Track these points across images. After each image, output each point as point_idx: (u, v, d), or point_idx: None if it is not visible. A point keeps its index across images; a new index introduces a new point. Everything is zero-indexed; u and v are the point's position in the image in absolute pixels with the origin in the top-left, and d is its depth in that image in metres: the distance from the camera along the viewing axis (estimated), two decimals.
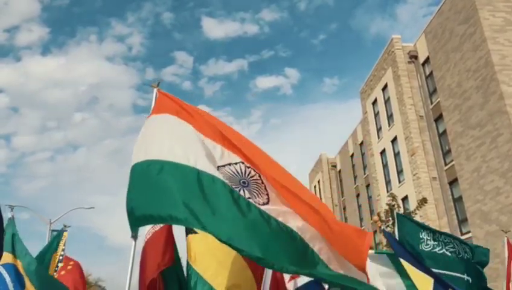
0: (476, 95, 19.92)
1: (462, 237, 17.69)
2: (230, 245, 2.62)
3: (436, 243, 5.77)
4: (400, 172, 26.10)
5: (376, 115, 29.61)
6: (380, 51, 28.52)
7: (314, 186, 43.59)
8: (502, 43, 19.19)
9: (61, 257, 7.30)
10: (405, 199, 24.35)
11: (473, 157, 20.12)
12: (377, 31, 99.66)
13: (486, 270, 5.88)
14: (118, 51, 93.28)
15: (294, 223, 2.90)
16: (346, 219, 37.20)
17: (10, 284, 5.63)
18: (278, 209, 2.95)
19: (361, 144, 33.75)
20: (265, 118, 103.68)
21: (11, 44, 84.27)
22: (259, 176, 3.15)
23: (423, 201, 18.76)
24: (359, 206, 34.95)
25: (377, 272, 4.85)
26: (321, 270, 2.79)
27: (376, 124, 29.63)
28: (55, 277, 6.89)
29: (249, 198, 2.92)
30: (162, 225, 4.87)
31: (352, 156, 36.50)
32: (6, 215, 6.26)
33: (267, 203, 3.01)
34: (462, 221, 21.36)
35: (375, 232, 30.45)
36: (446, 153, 22.95)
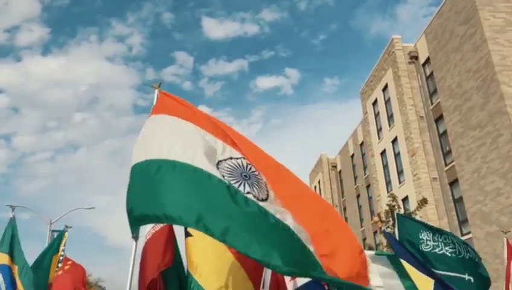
0: (476, 95, 19.92)
1: (462, 238, 17.68)
2: (224, 242, 2.61)
3: (435, 243, 5.75)
4: (400, 172, 26.09)
5: (376, 115, 29.61)
6: (380, 51, 28.56)
7: (315, 187, 43.57)
8: (503, 44, 19.19)
9: (61, 258, 7.31)
10: (405, 199, 24.34)
11: (473, 158, 20.11)
12: (378, 31, 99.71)
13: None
14: (118, 51, 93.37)
15: (292, 221, 2.88)
16: (346, 219, 37.19)
17: (2, 285, 5.66)
18: (276, 207, 2.92)
19: (362, 144, 33.75)
20: (265, 118, 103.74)
21: (12, 44, 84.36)
22: (259, 173, 3.16)
23: (423, 202, 18.76)
24: (359, 207, 34.94)
25: (377, 273, 4.84)
26: (317, 274, 2.75)
27: (376, 124, 29.63)
28: (55, 277, 6.89)
29: (249, 193, 2.89)
30: (162, 225, 4.87)
31: (352, 156, 36.50)
32: (8, 215, 6.27)
33: (267, 199, 3.00)
34: (463, 222, 21.35)
35: (375, 232, 30.47)
36: (446, 153, 22.95)
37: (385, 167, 28.23)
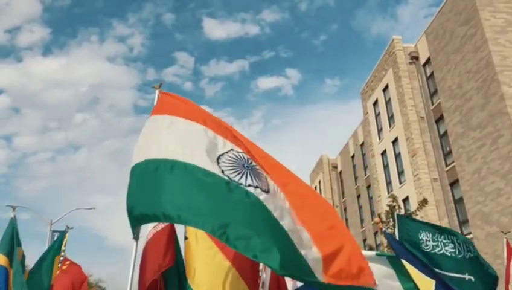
0: (476, 96, 19.92)
1: None
2: (223, 240, 2.58)
3: (435, 243, 5.75)
4: (400, 173, 26.09)
5: (377, 115, 29.61)
6: (380, 52, 28.58)
7: (315, 187, 43.57)
8: (503, 44, 19.19)
9: (61, 258, 7.32)
10: (406, 200, 24.34)
11: (473, 158, 20.11)
12: (378, 31, 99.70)
13: None
14: (119, 52, 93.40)
15: (289, 221, 2.86)
16: (347, 220, 37.20)
17: None
18: (276, 202, 2.91)
19: (362, 144, 33.75)
20: (266, 119, 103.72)
21: (13, 45, 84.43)
22: (260, 168, 3.16)
23: (424, 202, 18.76)
24: (360, 207, 34.93)
25: (378, 274, 4.84)
26: (310, 278, 2.73)
27: (377, 125, 29.63)
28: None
29: (250, 185, 2.87)
30: (163, 226, 4.88)
31: (353, 157, 36.50)
32: (8, 215, 6.28)
33: (268, 191, 2.99)
34: (463, 222, 21.35)
35: (376, 233, 30.47)
36: (447, 154, 22.95)
37: (386, 167, 28.22)
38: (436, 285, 4.81)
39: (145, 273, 4.62)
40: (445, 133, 22.85)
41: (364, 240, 32.40)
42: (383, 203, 25.80)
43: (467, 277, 5.50)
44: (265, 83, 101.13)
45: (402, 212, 20.25)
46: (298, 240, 2.83)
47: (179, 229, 5.09)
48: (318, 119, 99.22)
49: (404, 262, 5.05)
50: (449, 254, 5.67)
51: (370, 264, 3.04)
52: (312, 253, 2.83)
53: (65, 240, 7.47)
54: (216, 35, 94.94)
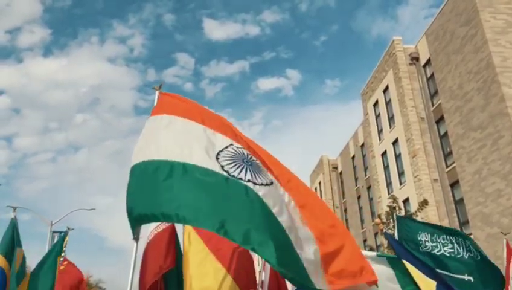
0: (477, 97, 19.91)
1: None
2: (222, 234, 2.58)
3: (434, 244, 5.74)
4: (401, 174, 26.08)
5: (377, 116, 29.61)
6: (381, 53, 28.58)
7: (315, 188, 43.56)
8: (504, 45, 19.18)
9: (61, 259, 7.34)
10: (406, 201, 24.32)
11: (474, 159, 20.10)
12: (378, 32, 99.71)
13: None
14: (120, 53, 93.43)
15: (287, 218, 2.85)
16: (347, 220, 37.19)
17: None
18: (274, 198, 2.89)
19: (363, 145, 33.74)
20: (266, 120, 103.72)
21: (13, 45, 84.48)
22: (261, 163, 3.16)
23: (424, 203, 18.76)
24: (360, 208, 34.92)
25: (378, 275, 4.84)
26: (304, 282, 2.70)
27: (377, 125, 29.62)
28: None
29: (249, 181, 2.88)
30: (164, 227, 4.88)
31: (353, 157, 36.49)
32: (8, 216, 6.28)
33: (268, 185, 2.98)
34: (464, 223, 21.33)
35: (376, 234, 30.45)
36: (447, 155, 22.94)
37: (386, 168, 28.22)
38: (437, 286, 4.81)
39: (146, 275, 4.62)
40: (446, 134, 22.84)
41: (365, 241, 32.37)
42: (383, 204, 25.79)
43: (466, 277, 5.49)
44: (266, 83, 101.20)
45: (402, 213, 20.24)
46: (295, 238, 2.82)
47: (180, 231, 5.09)
48: (318, 120, 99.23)
49: (406, 263, 5.05)
50: (448, 255, 5.66)
51: (371, 264, 3.04)
52: (309, 253, 2.83)
53: (65, 241, 7.50)
54: (216, 36, 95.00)
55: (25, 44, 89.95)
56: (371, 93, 30.32)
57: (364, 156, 33.62)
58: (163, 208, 2.69)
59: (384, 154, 28.42)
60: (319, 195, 41.58)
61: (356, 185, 35.60)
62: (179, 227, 5.13)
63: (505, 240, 8.18)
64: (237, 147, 3.18)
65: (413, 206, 21.90)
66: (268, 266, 3.98)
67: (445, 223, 21.80)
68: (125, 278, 3.03)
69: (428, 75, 24.68)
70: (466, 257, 5.60)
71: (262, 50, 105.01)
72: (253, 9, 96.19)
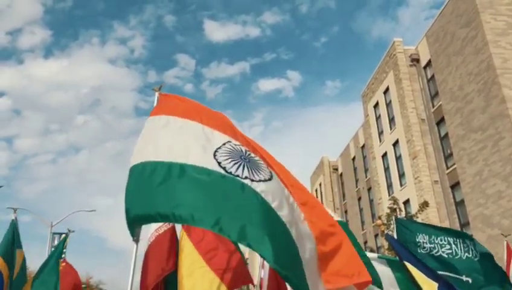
0: (477, 98, 19.90)
1: None
2: (217, 231, 2.56)
3: (432, 245, 5.77)
4: (401, 175, 26.06)
5: (378, 118, 29.60)
6: (381, 54, 28.58)
7: (316, 190, 43.54)
8: (504, 47, 19.17)
9: (60, 260, 7.38)
10: (407, 202, 24.30)
11: (474, 160, 20.08)
12: (379, 34, 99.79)
13: None
14: (120, 54, 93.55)
15: (286, 212, 2.83)
16: (347, 222, 37.14)
17: None
18: (274, 193, 2.87)
19: (363, 147, 33.72)
20: (267, 121, 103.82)
21: (14, 47, 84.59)
22: (259, 159, 3.16)
23: (425, 205, 18.73)
24: (361, 210, 34.89)
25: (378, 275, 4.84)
26: (298, 281, 2.64)
27: (378, 127, 29.61)
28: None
29: (246, 177, 2.86)
30: (165, 229, 4.89)
31: (353, 159, 36.47)
32: (9, 217, 6.29)
33: (271, 179, 2.97)
34: (464, 225, 21.30)
35: (376, 235, 30.41)
36: (448, 156, 22.92)
37: (386, 169, 28.20)
38: (439, 288, 4.81)
39: (148, 277, 4.63)
40: (446, 135, 22.82)
41: (365, 243, 32.33)
42: (383, 206, 25.76)
43: (464, 278, 5.50)
44: (266, 85, 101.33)
45: (403, 214, 20.23)
46: (297, 233, 2.81)
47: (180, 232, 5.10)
48: (319, 121, 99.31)
49: (407, 264, 5.05)
50: (446, 256, 5.69)
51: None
52: (308, 249, 2.82)
53: (66, 242, 7.55)
54: (217, 38, 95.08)
55: (26, 45, 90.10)
56: (371, 95, 30.31)
57: (364, 157, 33.60)
58: (160, 208, 2.69)
59: (384, 155, 28.41)
60: (319, 196, 41.58)
61: (356, 187, 35.57)
62: (179, 228, 5.14)
63: (505, 242, 8.17)
64: (235, 144, 3.17)
65: (414, 208, 21.87)
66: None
67: (445, 224, 21.78)
68: (126, 279, 3.03)
69: (429, 76, 24.67)
70: (464, 258, 5.62)
71: (263, 51, 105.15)
72: (254, 11, 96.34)
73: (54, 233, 26.75)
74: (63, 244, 7.42)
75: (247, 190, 2.79)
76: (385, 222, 17.74)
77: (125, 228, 2.85)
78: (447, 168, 22.77)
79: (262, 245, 2.51)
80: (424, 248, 5.76)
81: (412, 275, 5.00)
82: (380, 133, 29.21)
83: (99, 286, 47.94)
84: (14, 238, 6.19)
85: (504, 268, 7.81)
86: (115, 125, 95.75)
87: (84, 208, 30.36)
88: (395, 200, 18.63)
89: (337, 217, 5.42)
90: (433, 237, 5.82)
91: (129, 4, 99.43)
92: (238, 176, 2.85)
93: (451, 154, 22.43)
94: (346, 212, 38.46)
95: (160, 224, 4.86)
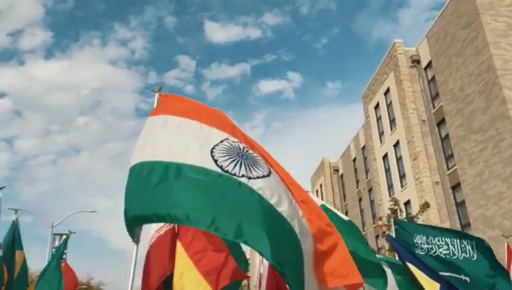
0: (478, 99, 19.90)
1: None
2: (213, 231, 2.55)
3: (429, 246, 5.79)
4: (402, 176, 26.05)
5: (378, 119, 29.59)
6: (382, 55, 28.58)
7: (317, 191, 43.52)
8: (505, 48, 19.17)
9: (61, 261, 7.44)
10: (407, 203, 24.29)
11: (475, 161, 20.07)
12: (379, 35, 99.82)
13: None
14: (121, 55, 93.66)
15: (286, 207, 2.81)
16: None
17: None
18: (272, 189, 2.86)
19: (364, 148, 33.72)
20: (267, 122, 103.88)
21: (15, 48, 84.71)
22: (258, 155, 3.15)
23: (426, 205, 18.74)
24: (361, 211, 34.87)
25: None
26: (295, 279, 2.60)
27: (378, 128, 29.60)
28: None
29: (243, 176, 2.85)
30: (166, 229, 4.91)
31: (354, 160, 36.45)
32: (10, 218, 6.31)
33: (269, 174, 2.97)
34: (465, 226, 21.28)
35: (377, 236, 30.39)
36: (448, 157, 22.90)
37: (387, 170, 28.19)
38: (441, 289, 4.82)
39: (150, 277, 4.65)
40: (447, 136, 22.81)
41: None
42: (384, 207, 25.75)
43: (463, 277, 5.52)
44: (267, 86, 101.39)
45: (404, 215, 20.22)
46: (299, 227, 2.79)
47: None
48: (319, 123, 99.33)
49: (410, 265, 5.06)
50: (443, 256, 5.72)
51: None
52: (309, 245, 2.81)
53: (67, 243, 7.61)
54: (217, 39, 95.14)
55: (27, 46, 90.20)
56: (372, 96, 30.31)
57: (365, 158, 33.60)
58: (156, 208, 2.69)
59: (385, 156, 28.40)
60: (320, 197, 41.53)
61: (357, 188, 35.56)
62: None
63: (506, 243, 8.17)
64: (233, 141, 3.17)
65: (415, 209, 21.86)
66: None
67: (446, 225, 21.77)
68: (126, 280, 3.03)
69: (430, 77, 24.67)
70: (461, 258, 5.64)
71: (264, 52, 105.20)
72: (254, 12, 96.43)
73: (55, 234, 26.77)
74: (64, 245, 7.47)
75: (244, 188, 2.78)
76: (386, 223, 17.74)
77: (125, 229, 2.85)
78: (448, 169, 22.76)
79: (259, 241, 2.49)
80: (422, 248, 5.78)
81: (415, 276, 5.01)
82: (381, 134, 29.20)
83: (100, 287, 47.95)
84: (14, 240, 6.21)
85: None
86: (115, 127, 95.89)
87: (85, 209, 30.40)
88: (395, 201, 18.64)
89: (346, 218, 5.45)
90: (430, 237, 5.85)
91: (130, 5, 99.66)
92: (234, 174, 2.83)
93: (451, 155, 22.42)
94: (346, 213, 38.42)
95: (161, 225, 4.88)
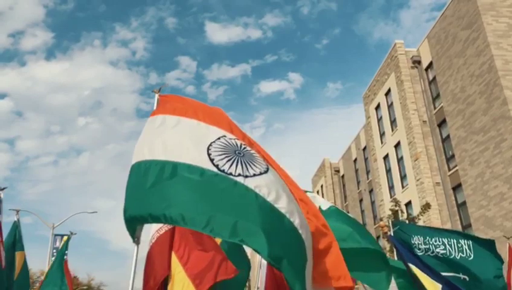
0: (479, 100, 19.88)
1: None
2: (209, 232, 2.54)
3: (427, 247, 5.82)
4: (403, 177, 26.03)
5: (379, 120, 29.58)
6: (383, 56, 28.59)
7: (317, 191, 43.48)
8: (506, 48, 19.16)
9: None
10: (408, 204, 24.27)
11: (476, 162, 20.04)
12: (380, 36, 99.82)
13: None
14: (122, 56, 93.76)
15: (285, 204, 2.80)
16: None
17: None
18: (270, 186, 2.83)
19: (365, 149, 33.70)
20: (268, 123, 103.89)
21: (16, 49, 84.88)
22: (255, 152, 3.14)
23: (427, 206, 18.73)
24: (362, 212, 34.84)
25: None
26: (293, 275, 2.56)
27: (379, 129, 29.59)
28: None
29: (240, 175, 2.83)
30: (166, 230, 4.91)
31: (355, 161, 36.44)
32: (11, 219, 6.34)
33: (267, 171, 2.95)
34: (466, 227, 21.25)
35: (378, 237, 30.36)
36: (450, 158, 22.88)
37: (388, 171, 28.16)
38: (442, 289, 4.83)
39: (151, 278, 4.66)
40: (448, 137, 22.79)
41: None
42: (385, 208, 25.73)
43: (461, 276, 5.55)
44: (268, 87, 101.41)
45: (405, 216, 20.21)
46: (300, 221, 2.77)
47: None
48: (320, 123, 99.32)
49: (412, 266, 5.07)
50: (441, 256, 5.75)
51: None
52: (309, 240, 2.81)
53: (68, 244, 7.67)
54: (218, 39, 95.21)
55: (28, 47, 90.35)
56: (372, 97, 30.29)
57: (366, 159, 33.58)
58: (151, 209, 2.68)
59: (386, 157, 28.38)
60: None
61: (358, 188, 35.53)
62: None
63: (508, 244, 8.16)
64: (230, 138, 3.16)
65: (416, 210, 21.85)
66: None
67: (447, 226, 21.74)
68: (127, 281, 3.03)
69: (430, 78, 24.66)
70: (458, 258, 5.67)
71: (264, 53, 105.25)
72: (255, 13, 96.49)
73: (56, 235, 26.78)
74: (66, 246, 7.52)
75: (240, 187, 2.76)
76: (387, 223, 17.73)
77: (126, 230, 2.85)
78: (449, 169, 22.73)
79: (254, 238, 2.47)
80: (420, 249, 5.81)
81: (417, 277, 5.02)
82: (382, 134, 29.19)
83: (101, 287, 48.00)
84: (15, 241, 6.22)
85: (506, 271, 7.80)
86: (116, 127, 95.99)
87: (85, 209, 30.44)
88: (396, 202, 18.62)
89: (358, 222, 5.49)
90: (427, 238, 5.88)
91: (131, 6, 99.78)
92: (230, 174, 2.81)
93: (453, 156, 22.40)
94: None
95: (160, 225, 4.88)
